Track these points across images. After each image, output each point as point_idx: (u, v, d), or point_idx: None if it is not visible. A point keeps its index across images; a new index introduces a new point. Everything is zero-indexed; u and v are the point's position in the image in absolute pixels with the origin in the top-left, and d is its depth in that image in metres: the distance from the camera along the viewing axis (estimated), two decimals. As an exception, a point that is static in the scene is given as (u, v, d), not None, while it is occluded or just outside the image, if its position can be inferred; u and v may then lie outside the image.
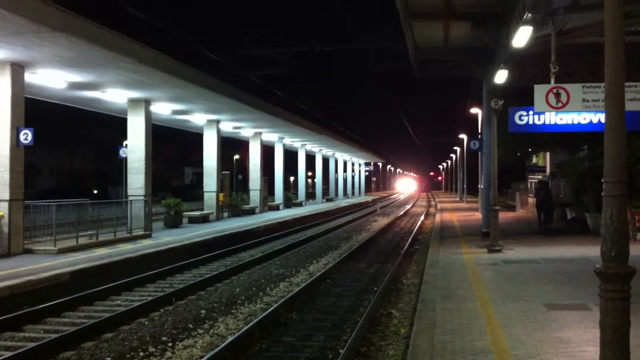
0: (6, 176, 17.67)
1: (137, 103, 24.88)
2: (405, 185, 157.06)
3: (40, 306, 12.09)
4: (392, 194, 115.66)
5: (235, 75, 29.09)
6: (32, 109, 18.83)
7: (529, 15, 12.31)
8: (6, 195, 17.62)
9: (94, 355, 9.35)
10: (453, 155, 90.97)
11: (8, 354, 9.07)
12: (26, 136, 17.94)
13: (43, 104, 24.06)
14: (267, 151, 47.77)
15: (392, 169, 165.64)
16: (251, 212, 40.03)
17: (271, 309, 11.90)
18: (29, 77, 18.61)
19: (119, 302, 13.60)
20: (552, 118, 16.35)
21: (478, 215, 35.76)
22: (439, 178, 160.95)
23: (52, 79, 19.67)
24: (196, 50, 24.90)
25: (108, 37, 17.10)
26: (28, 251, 17.88)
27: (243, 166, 64.01)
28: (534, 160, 46.17)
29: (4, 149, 17.71)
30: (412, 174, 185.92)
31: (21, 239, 17.96)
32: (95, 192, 60.57)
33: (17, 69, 17.80)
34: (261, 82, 34.30)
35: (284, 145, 49.86)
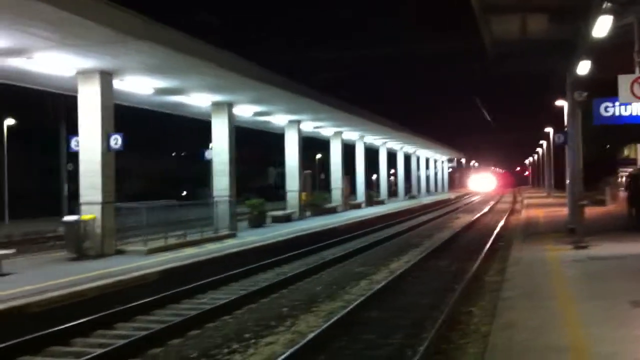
0: (98, 180, 18.54)
1: (220, 106, 25.57)
2: (483, 182, 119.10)
3: (131, 304, 12.67)
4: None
5: (306, 76, 29.51)
6: (118, 115, 19.67)
7: (608, 4, 11.99)
8: (98, 198, 18.48)
9: (180, 352, 9.77)
10: (539, 150, 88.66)
11: (100, 350, 9.58)
12: (116, 141, 18.76)
13: (130, 110, 25.05)
14: (348, 150, 48.00)
15: (477, 164, 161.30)
16: (333, 210, 40.36)
17: (351, 306, 12.06)
18: (117, 84, 19.45)
19: (205, 300, 14.07)
20: (639, 109, 15.82)
21: (565, 211, 34.76)
22: (526, 173, 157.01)
23: (139, 85, 20.52)
24: (270, 53, 25.38)
25: (189, 44, 17.71)
26: (120, 252, 18.70)
27: (325, 165, 64.57)
28: (626, 152, 44.51)
29: (96, 154, 18.58)
30: (493, 168, 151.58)
31: (113, 240, 18.80)
32: (183, 193, 62.41)
33: (106, 77, 18.63)
34: (331, 83, 34.60)
35: (364, 143, 49.97)
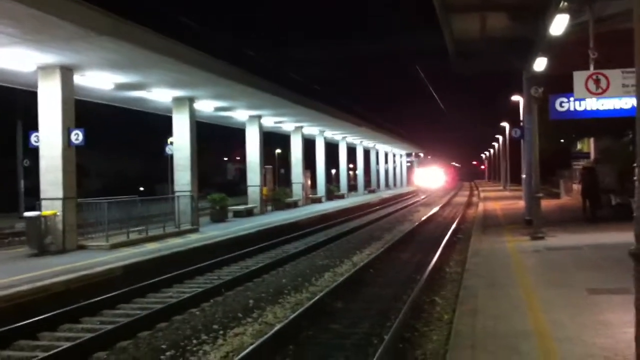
0: (59, 176, 18.36)
1: (181, 101, 25.49)
2: (430, 176, 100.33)
3: (96, 299, 12.65)
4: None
5: (275, 72, 29.53)
6: (80, 112, 19.48)
7: (565, 3, 12.38)
8: (59, 194, 18.32)
9: (150, 344, 9.83)
10: (495, 144, 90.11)
11: (68, 344, 9.59)
12: (77, 136, 18.61)
13: (86, 106, 24.77)
14: (309, 145, 48.18)
15: (426, 156, 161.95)
16: (294, 205, 40.51)
17: (316, 297, 12.26)
18: (78, 79, 19.26)
19: (170, 294, 14.11)
20: (593, 104, 16.29)
21: (521, 203, 35.52)
22: (482, 167, 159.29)
23: (100, 80, 20.34)
24: (237, 49, 25.37)
25: (153, 39, 17.64)
26: (82, 247, 18.58)
27: (285, 160, 64.62)
28: (579, 146, 45.62)
29: (57, 149, 18.41)
30: (445, 161, 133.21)
31: (75, 236, 18.66)
32: (141, 189, 61.84)
33: (67, 72, 18.45)
34: (301, 78, 34.65)
35: (325, 138, 50.19)
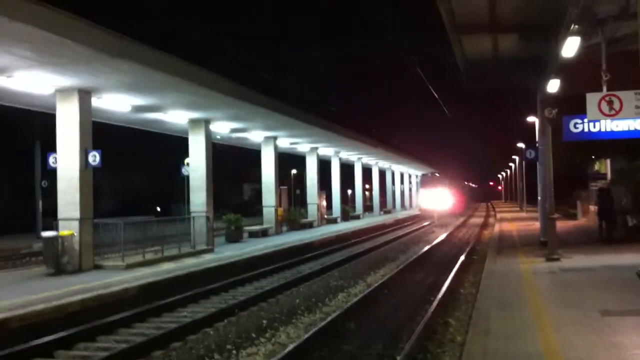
0: (76, 196, 18.59)
1: (197, 123, 25.75)
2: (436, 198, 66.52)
3: (111, 318, 12.78)
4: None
5: (289, 92, 29.78)
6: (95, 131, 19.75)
7: (576, 26, 12.47)
8: (77, 214, 18.53)
9: (164, 363, 9.93)
10: (512, 165, 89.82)
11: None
12: (94, 158, 18.85)
13: (106, 126, 25.11)
14: (324, 165, 48.32)
15: (435, 172, 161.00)
16: (309, 225, 40.58)
17: (330, 318, 12.30)
18: (96, 101, 19.55)
19: (185, 313, 14.21)
20: (607, 125, 16.31)
21: (538, 224, 35.37)
22: (499, 188, 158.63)
23: (117, 102, 20.63)
24: (250, 69, 25.64)
25: (166, 61, 17.91)
26: (98, 267, 18.74)
27: (301, 181, 64.84)
28: (596, 167, 45.37)
29: (74, 170, 18.65)
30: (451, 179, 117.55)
31: (91, 256, 18.85)
32: (158, 209, 62.21)
33: (84, 95, 18.73)
34: (315, 98, 34.89)
35: (340, 159, 50.34)
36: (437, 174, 74.19)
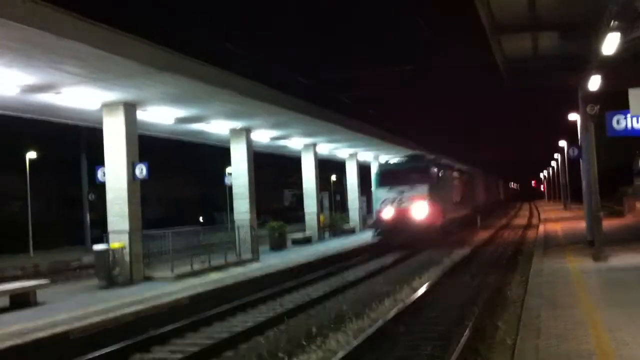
0: (125, 208, 19.05)
1: (238, 132, 26.13)
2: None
3: (165, 329, 13.08)
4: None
5: (325, 97, 29.99)
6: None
7: (616, 22, 12.39)
8: (126, 226, 18.99)
9: (219, 371, 10.16)
10: (554, 163, 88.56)
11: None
12: (141, 170, 19.30)
13: (147, 137, 25.63)
14: (364, 171, 48.38)
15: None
16: (351, 231, 40.68)
17: (379, 323, 12.40)
18: (141, 114, 20.01)
19: (235, 322, 14.45)
20: (651, 120, 16.12)
21: (583, 223, 34.90)
22: (542, 187, 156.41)
23: (161, 115, 21.08)
24: (285, 76, 25.97)
25: (210, 72, 18.28)
26: (148, 278, 19.16)
27: (341, 186, 65.03)
28: (641, 162, 44.62)
29: (122, 183, 19.13)
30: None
31: (141, 267, 19.27)
32: (200, 219, 62.98)
33: (130, 108, 19.23)
34: (351, 102, 35.02)
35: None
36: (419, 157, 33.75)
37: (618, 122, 16.63)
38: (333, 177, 78.23)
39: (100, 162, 19.79)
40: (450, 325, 12.47)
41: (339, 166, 50.39)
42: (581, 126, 24.02)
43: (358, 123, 33.57)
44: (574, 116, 31.45)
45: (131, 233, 18.98)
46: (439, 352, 10.43)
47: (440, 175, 33.45)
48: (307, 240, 32.90)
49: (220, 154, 32.21)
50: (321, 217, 36.32)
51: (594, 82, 18.11)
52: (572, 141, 35.52)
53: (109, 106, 19.00)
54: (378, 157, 48.67)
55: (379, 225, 31.01)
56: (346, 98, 34.50)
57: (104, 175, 19.65)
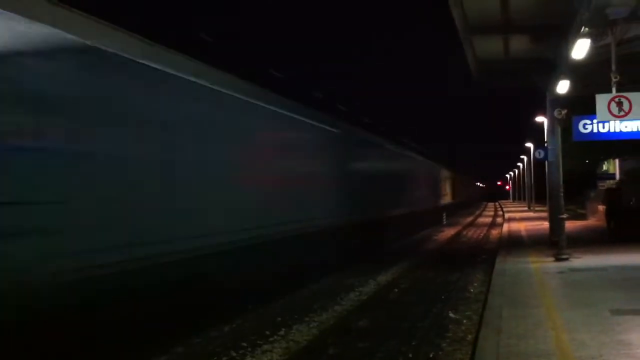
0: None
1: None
2: None
3: None
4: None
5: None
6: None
7: (586, 28, 12.61)
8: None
9: None
10: (520, 164, 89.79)
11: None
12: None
13: None
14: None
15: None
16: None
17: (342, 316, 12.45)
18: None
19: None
20: (617, 126, 16.48)
21: (546, 224, 35.46)
22: (507, 187, 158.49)
23: None
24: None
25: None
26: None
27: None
28: (604, 167, 45.41)
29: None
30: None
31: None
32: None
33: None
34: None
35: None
36: None
37: (584, 126, 16.98)
38: None
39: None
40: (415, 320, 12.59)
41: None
42: (548, 129, 24.39)
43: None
44: (541, 118, 31.93)
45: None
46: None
47: None
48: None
49: None
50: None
51: (563, 86, 18.39)
52: (539, 143, 36.05)
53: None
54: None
55: None
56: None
57: None
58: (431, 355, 9.89)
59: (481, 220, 57.94)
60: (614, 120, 15.45)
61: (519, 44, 19.58)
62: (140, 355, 9.72)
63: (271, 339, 11.15)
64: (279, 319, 12.70)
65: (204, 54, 13.06)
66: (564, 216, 19.39)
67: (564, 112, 18.02)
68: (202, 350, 10.50)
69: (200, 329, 11.62)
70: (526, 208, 68.77)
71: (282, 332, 11.62)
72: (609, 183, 37.91)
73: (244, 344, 10.72)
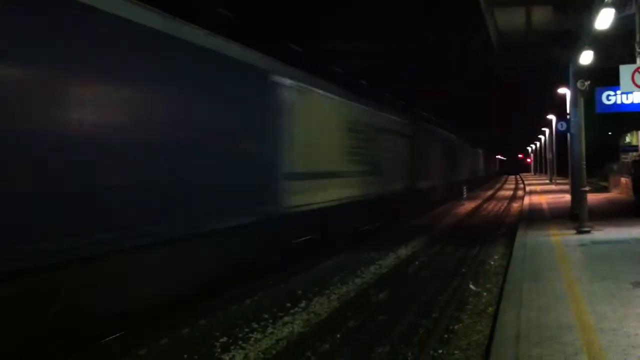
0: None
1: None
2: None
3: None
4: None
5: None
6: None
7: (610, -2, 12.41)
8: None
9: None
10: (542, 137, 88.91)
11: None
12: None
13: None
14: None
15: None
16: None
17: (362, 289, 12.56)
18: None
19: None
20: (640, 97, 16.24)
21: (568, 197, 35.19)
22: (528, 160, 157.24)
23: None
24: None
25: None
26: None
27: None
28: (627, 139, 44.92)
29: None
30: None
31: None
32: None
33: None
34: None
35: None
36: None
37: (608, 98, 16.78)
38: None
39: None
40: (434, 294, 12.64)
41: None
42: (571, 101, 24.13)
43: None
44: (563, 90, 31.57)
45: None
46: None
47: None
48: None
49: None
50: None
51: (586, 57, 18.11)
52: (561, 115, 35.68)
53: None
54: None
55: None
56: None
57: None
58: (451, 328, 9.94)
59: (501, 193, 57.64)
60: (638, 91, 15.23)
61: (542, 16, 19.28)
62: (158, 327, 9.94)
63: (292, 311, 11.27)
64: (300, 291, 12.81)
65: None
66: (586, 189, 19.23)
67: (587, 83, 17.77)
68: (224, 321, 10.65)
69: (225, 300, 11.81)
70: (547, 181, 68.22)
71: (302, 305, 11.74)
72: (632, 155, 37.49)
73: (265, 316, 10.85)
